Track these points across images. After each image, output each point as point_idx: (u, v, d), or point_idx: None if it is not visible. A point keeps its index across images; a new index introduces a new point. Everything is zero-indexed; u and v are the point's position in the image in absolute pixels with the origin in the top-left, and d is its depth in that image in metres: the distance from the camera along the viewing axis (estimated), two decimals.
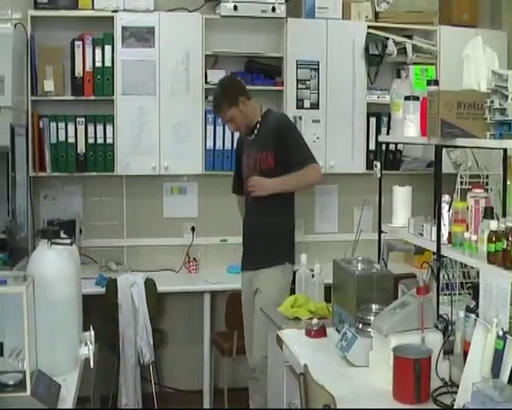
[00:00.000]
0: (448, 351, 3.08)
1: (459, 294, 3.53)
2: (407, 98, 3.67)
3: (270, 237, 4.81)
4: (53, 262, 2.94)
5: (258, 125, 4.86)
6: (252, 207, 4.91)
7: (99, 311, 5.10)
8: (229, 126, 4.99)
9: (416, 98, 3.61)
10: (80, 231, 5.74)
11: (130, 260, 5.91)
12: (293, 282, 4.54)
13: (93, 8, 5.56)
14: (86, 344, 3.12)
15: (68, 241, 3.02)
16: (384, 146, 5.66)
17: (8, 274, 2.98)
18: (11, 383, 2.58)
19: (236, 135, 5.29)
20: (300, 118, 5.86)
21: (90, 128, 5.62)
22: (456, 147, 3.48)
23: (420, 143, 4.44)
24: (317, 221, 6.37)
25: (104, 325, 4.92)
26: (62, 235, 3.07)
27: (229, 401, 5.62)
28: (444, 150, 3.45)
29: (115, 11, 5.56)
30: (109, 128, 5.62)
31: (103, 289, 5.28)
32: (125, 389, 5.31)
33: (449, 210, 3.31)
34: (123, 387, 5.31)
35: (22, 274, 2.79)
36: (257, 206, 4.84)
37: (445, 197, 3.33)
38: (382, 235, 4.09)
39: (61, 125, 5.58)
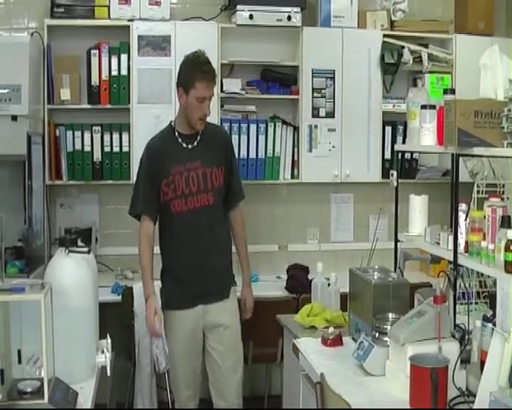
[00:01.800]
0: (465, 360, 3.07)
1: (476, 303, 3.51)
2: (423, 107, 3.65)
3: (227, 256, 4.38)
4: (70, 270, 2.96)
5: (199, 133, 4.27)
6: (202, 225, 4.21)
7: (115, 319, 5.09)
8: (206, 108, 4.30)
9: (433, 107, 3.60)
10: (96, 239, 5.75)
11: None
12: (309, 291, 4.53)
13: (109, 18, 5.58)
14: (103, 352, 3.13)
15: (86, 249, 3.03)
16: (400, 155, 5.66)
17: (26, 282, 2.99)
18: (29, 390, 2.60)
19: None
20: (316, 127, 5.87)
21: (106, 137, 5.64)
22: (472, 156, 3.46)
23: (437, 152, 4.43)
24: (333, 230, 6.36)
25: (120, 333, 4.92)
26: (79, 243, 3.08)
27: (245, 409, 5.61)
28: (460, 159, 3.44)
29: (131, 20, 5.58)
30: (125, 137, 5.63)
31: (119, 298, 5.28)
32: (140, 397, 5.30)
33: (466, 219, 3.29)
34: (138, 395, 5.31)
35: (39, 282, 2.80)
36: (210, 222, 4.24)
37: (462, 206, 3.32)
38: (398, 244, 4.08)
39: (78, 133, 5.60)
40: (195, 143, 4.25)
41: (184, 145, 4.25)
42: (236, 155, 5.71)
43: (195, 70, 4.18)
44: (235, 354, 4.33)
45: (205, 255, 4.22)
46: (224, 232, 4.37)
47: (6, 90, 4.87)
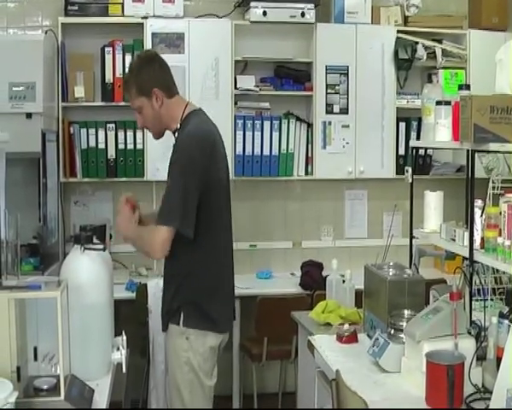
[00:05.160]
0: (481, 357, 3.05)
1: (491, 299, 3.50)
2: (438, 103, 3.64)
3: None
4: (86, 267, 2.96)
5: (176, 135, 3.65)
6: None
7: (129, 316, 5.11)
8: (137, 119, 3.70)
9: (448, 103, 3.59)
10: (110, 236, 5.76)
11: (159, 266, 5.87)
12: (323, 287, 4.53)
13: (123, 15, 5.60)
14: (118, 349, 3.13)
15: (101, 246, 3.03)
16: (414, 151, 5.66)
17: (41, 279, 3.00)
18: (45, 387, 2.60)
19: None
20: (330, 123, 5.86)
21: (120, 134, 5.65)
22: (488, 152, 3.45)
23: (452, 148, 4.41)
24: (347, 226, 6.35)
25: (134, 330, 4.92)
26: (95, 240, 3.08)
27: (259, 406, 5.62)
28: (475, 155, 3.43)
29: (145, 17, 5.59)
30: (139, 134, 5.64)
31: (133, 295, 5.30)
32: (154, 394, 5.31)
33: (481, 215, 3.28)
34: (153, 392, 5.32)
35: (56, 279, 2.80)
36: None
37: (478, 202, 3.31)
38: (414, 240, 4.07)
39: (92, 131, 5.62)
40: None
41: None
42: (250, 152, 5.73)
43: None
44: None
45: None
46: None
47: (20, 88, 4.88)
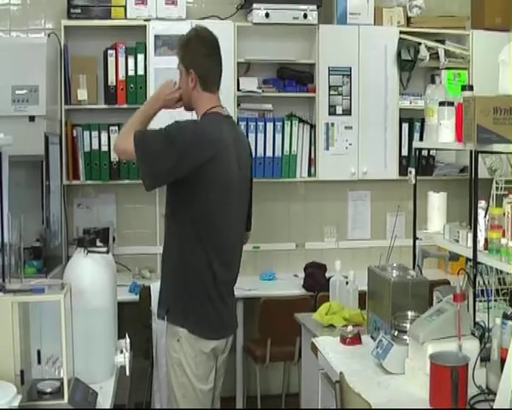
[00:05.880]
0: (485, 358, 3.05)
1: (495, 300, 3.49)
2: (442, 104, 3.64)
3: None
4: (89, 270, 2.96)
5: None
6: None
7: (132, 318, 5.10)
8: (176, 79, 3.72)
9: (451, 104, 3.58)
10: (113, 238, 5.77)
11: None
12: (327, 289, 4.52)
13: (126, 18, 5.60)
14: (122, 352, 3.13)
15: (104, 249, 3.03)
16: (417, 152, 5.66)
17: (44, 282, 3.00)
18: (49, 390, 2.59)
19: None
20: (333, 124, 5.86)
21: None
22: (492, 153, 3.45)
23: (455, 149, 4.41)
24: (350, 228, 6.35)
25: (137, 333, 4.92)
26: (98, 243, 3.08)
27: (263, 407, 5.62)
28: (479, 156, 3.42)
29: (148, 20, 5.59)
30: None
31: (137, 297, 5.30)
32: (158, 397, 5.30)
33: (485, 216, 3.28)
34: (156, 394, 5.31)
35: (58, 282, 2.80)
36: None
37: (481, 203, 3.30)
38: (417, 241, 4.06)
39: (95, 133, 5.63)
40: None
41: None
42: (253, 154, 5.74)
43: None
44: None
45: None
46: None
47: (23, 91, 4.88)
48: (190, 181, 3.46)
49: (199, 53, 3.61)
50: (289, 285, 5.76)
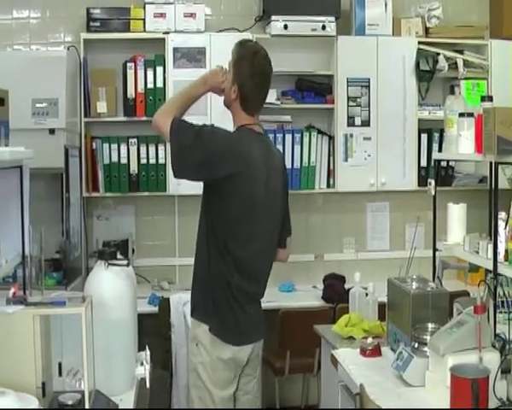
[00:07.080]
0: (505, 370, 3.03)
1: None
2: (461, 115, 3.63)
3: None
4: (110, 283, 2.97)
5: None
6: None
7: (151, 330, 5.11)
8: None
9: (471, 115, 3.58)
10: (133, 250, 5.78)
11: (182, 279, 5.92)
12: (346, 300, 4.51)
13: (144, 30, 5.63)
14: (142, 364, 3.14)
15: (125, 262, 3.04)
16: (437, 163, 5.66)
17: (65, 294, 3.02)
18: (70, 403, 2.60)
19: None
20: (351, 135, 5.86)
21: (143, 149, 5.68)
22: None
23: (475, 160, 4.39)
24: (369, 239, 6.34)
25: (157, 344, 4.93)
26: (118, 256, 3.09)
27: None
28: (499, 166, 3.41)
29: (166, 33, 5.62)
30: (161, 149, 5.66)
31: (156, 309, 5.31)
32: (177, 408, 5.32)
33: (505, 227, 3.26)
34: (175, 406, 5.32)
35: (79, 295, 2.81)
36: None
37: (502, 214, 3.29)
38: (437, 253, 4.05)
39: (114, 146, 5.66)
40: None
41: None
42: None
43: None
44: None
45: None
46: None
47: (43, 104, 4.92)
48: (215, 190, 3.53)
49: (244, 68, 3.65)
50: (308, 297, 5.75)
